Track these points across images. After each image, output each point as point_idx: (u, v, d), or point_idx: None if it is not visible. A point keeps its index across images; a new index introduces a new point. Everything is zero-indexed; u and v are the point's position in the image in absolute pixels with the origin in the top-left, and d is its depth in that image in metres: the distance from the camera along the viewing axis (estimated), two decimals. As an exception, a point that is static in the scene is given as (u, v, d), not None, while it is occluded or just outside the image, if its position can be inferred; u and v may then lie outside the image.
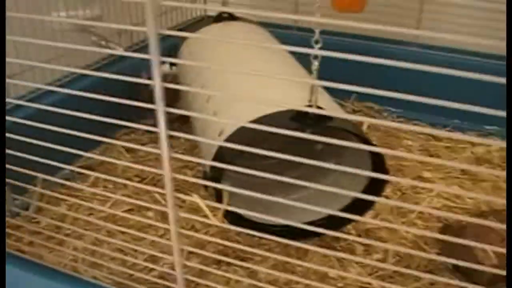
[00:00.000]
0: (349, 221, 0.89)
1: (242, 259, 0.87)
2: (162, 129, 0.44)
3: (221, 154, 0.73)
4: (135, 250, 0.85)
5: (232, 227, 0.45)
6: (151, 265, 0.77)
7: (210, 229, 0.94)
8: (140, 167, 0.53)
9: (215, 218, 0.46)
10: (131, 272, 0.70)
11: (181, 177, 0.48)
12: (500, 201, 0.39)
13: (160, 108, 0.45)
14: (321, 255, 0.91)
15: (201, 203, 0.46)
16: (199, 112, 1.02)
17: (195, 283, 0.80)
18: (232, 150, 0.64)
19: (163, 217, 0.97)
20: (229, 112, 0.83)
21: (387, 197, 1.04)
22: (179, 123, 1.27)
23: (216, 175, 0.68)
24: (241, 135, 0.73)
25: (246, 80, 0.86)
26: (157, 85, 0.43)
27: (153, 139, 1.24)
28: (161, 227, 0.82)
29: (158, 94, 0.44)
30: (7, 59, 0.52)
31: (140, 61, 0.50)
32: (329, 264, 0.90)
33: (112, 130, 1.25)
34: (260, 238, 0.92)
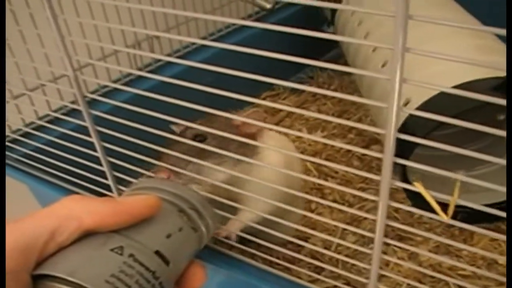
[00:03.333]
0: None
1: (401, 239, 0.83)
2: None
3: (411, 127, 0.63)
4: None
5: (456, 223, 0.38)
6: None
7: (365, 204, 0.90)
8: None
9: (443, 213, 0.39)
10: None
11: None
12: None
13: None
14: (489, 239, 0.83)
15: (427, 194, 0.39)
16: (363, 63, 0.95)
17: (349, 264, 0.78)
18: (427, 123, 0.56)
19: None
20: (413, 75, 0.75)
21: None
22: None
23: (404, 151, 0.58)
24: (432, 106, 0.64)
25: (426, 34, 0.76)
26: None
27: (302, 101, 1.21)
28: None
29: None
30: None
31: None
32: (499, 249, 0.82)
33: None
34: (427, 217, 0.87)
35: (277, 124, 1.10)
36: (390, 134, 0.33)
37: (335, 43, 1.22)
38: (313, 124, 1.13)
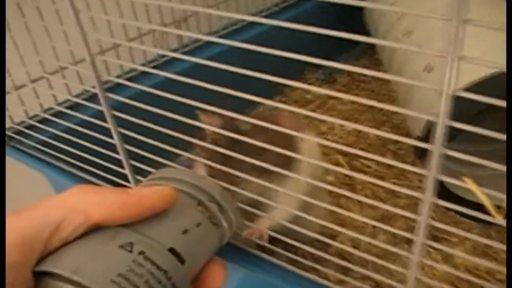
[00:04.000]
0: None
1: (436, 240, 0.78)
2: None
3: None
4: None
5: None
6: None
7: (398, 200, 0.86)
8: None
9: (498, 214, 0.34)
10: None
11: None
12: None
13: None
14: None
15: (479, 191, 0.34)
16: (393, 49, 0.91)
17: (379, 265, 0.74)
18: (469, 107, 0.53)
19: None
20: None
21: None
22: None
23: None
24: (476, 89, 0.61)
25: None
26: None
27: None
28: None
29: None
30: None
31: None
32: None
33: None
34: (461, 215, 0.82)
35: (307, 116, 1.06)
36: (442, 122, 0.29)
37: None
38: (345, 116, 1.08)
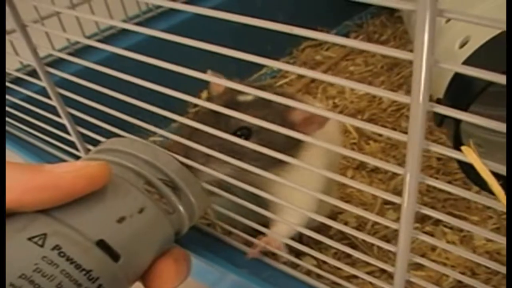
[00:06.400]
0: None
1: (453, 217, 0.68)
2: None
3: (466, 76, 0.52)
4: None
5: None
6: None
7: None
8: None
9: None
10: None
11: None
12: None
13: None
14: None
15: (479, 164, 0.25)
16: None
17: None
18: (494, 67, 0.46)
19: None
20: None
21: None
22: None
23: (459, 103, 0.47)
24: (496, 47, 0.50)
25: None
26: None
27: (347, 53, 1.05)
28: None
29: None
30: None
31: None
32: None
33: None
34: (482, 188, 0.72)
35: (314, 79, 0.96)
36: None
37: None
38: (358, 78, 0.98)
